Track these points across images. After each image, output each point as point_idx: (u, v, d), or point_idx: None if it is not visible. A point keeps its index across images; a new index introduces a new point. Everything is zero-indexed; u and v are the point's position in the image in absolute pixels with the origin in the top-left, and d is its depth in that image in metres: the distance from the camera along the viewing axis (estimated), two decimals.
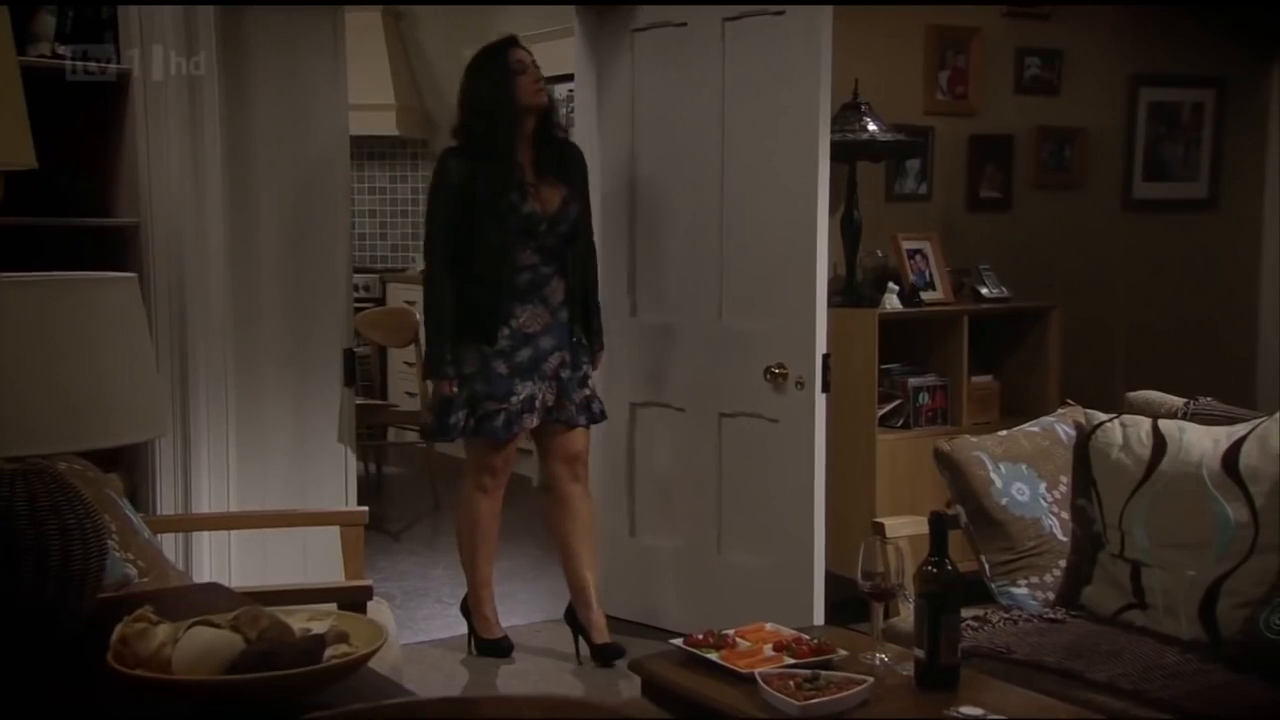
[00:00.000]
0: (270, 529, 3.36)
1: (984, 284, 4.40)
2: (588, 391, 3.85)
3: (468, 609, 4.05)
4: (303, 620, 1.61)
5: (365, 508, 3.23)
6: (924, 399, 4.23)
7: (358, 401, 3.93)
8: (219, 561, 3.37)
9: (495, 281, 3.65)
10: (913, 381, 4.22)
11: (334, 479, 3.66)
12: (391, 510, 5.93)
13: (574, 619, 3.96)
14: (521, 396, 3.71)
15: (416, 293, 7.20)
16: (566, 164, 3.79)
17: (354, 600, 2.54)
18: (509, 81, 3.66)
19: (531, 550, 5.28)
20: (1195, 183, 5.23)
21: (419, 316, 6.06)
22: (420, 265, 6.91)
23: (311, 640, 1.49)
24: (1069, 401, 3.20)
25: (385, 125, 7.53)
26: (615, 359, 4.29)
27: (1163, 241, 5.14)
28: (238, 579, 3.23)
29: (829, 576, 3.76)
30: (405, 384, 7.05)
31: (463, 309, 3.66)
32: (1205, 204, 5.26)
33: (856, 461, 4.12)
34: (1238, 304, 5.38)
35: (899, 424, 4.23)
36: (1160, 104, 5.11)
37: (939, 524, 2.35)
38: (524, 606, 4.57)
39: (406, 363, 6.87)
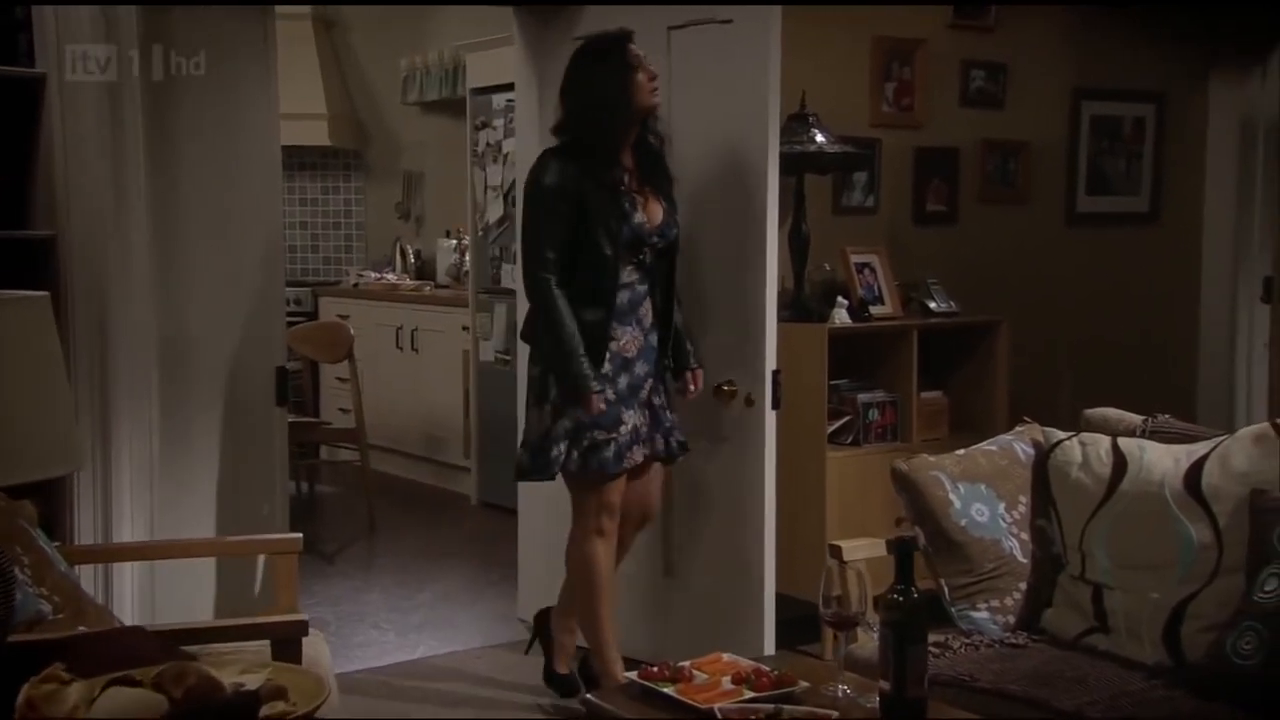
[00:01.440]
0: (197, 558, 3.19)
1: (932, 298, 4.34)
2: (669, 423, 3.53)
3: (589, 673, 3.64)
4: (234, 673, 1.47)
5: (299, 534, 3.06)
6: (874, 415, 4.16)
7: (289, 419, 3.76)
8: (142, 594, 3.19)
9: (607, 299, 3.31)
10: (862, 397, 4.15)
11: (266, 503, 3.49)
12: (325, 531, 5.75)
13: (546, 631, 3.72)
14: (629, 426, 3.39)
15: (350, 306, 7.14)
16: (663, 175, 3.46)
17: (288, 636, 2.39)
18: (629, 76, 3.30)
19: (465, 571, 5.15)
20: (1137, 197, 5.23)
21: (353, 330, 5.95)
22: (408, 278, 6.98)
23: (244, 698, 1.35)
24: (1026, 419, 3.13)
25: (317, 135, 7.38)
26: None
27: (1106, 255, 5.14)
28: (162, 613, 3.06)
29: (777, 597, 3.68)
30: (338, 400, 6.88)
31: None
32: (1147, 218, 5.27)
33: (806, 480, 4.03)
34: (1179, 318, 5.39)
35: (848, 441, 4.16)
36: (1102, 118, 5.10)
37: (904, 550, 2.26)
38: (462, 633, 4.43)
39: (339, 378, 6.70)
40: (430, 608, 4.69)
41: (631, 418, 3.40)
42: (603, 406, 3.30)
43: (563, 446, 3.35)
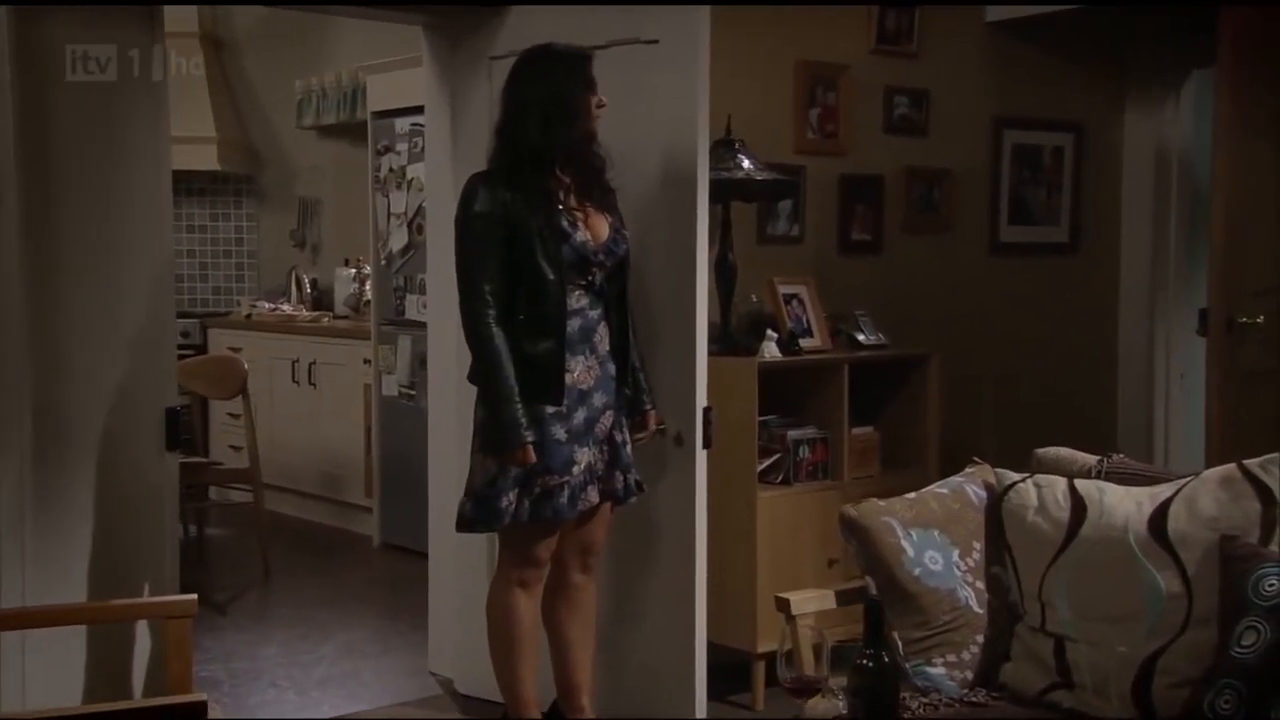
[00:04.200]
0: (75, 625, 2.86)
1: (861, 330, 4.21)
2: (628, 460, 3.31)
3: None
4: None
5: (193, 596, 2.75)
6: (804, 452, 3.99)
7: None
8: (11, 670, 2.84)
9: (556, 328, 3.09)
10: (793, 434, 3.98)
11: (154, 561, 3.17)
12: (216, 579, 5.42)
13: None
14: (582, 465, 3.17)
15: (241, 338, 6.81)
16: (604, 189, 3.24)
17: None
18: (585, 96, 3.13)
19: (370, 620, 4.86)
20: (1057, 226, 5.18)
21: (246, 364, 5.62)
22: (304, 309, 6.64)
23: None
24: (976, 459, 2.98)
25: (205, 159, 7.07)
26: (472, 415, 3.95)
27: (1029, 286, 5.08)
28: (34, 693, 2.73)
29: (707, 645, 3.48)
30: (229, 438, 6.55)
31: (514, 366, 3.09)
32: (1067, 248, 5.22)
33: (735, 522, 3.85)
34: (1099, 350, 5.35)
35: (778, 480, 3.98)
36: (1023, 146, 5.05)
37: (874, 609, 2.08)
38: (369, 689, 4.15)
39: (231, 414, 6.37)
40: (333, 662, 4.39)
41: (585, 455, 3.18)
42: (534, 458, 3.07)
43: (512, 495, 3.11)
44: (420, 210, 5.57)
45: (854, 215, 4.56)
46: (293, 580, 5.44)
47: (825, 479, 4.04)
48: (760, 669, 3.88)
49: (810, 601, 2.73)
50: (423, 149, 5.43)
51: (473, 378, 3.21)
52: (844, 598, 2.79)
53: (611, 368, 3.24)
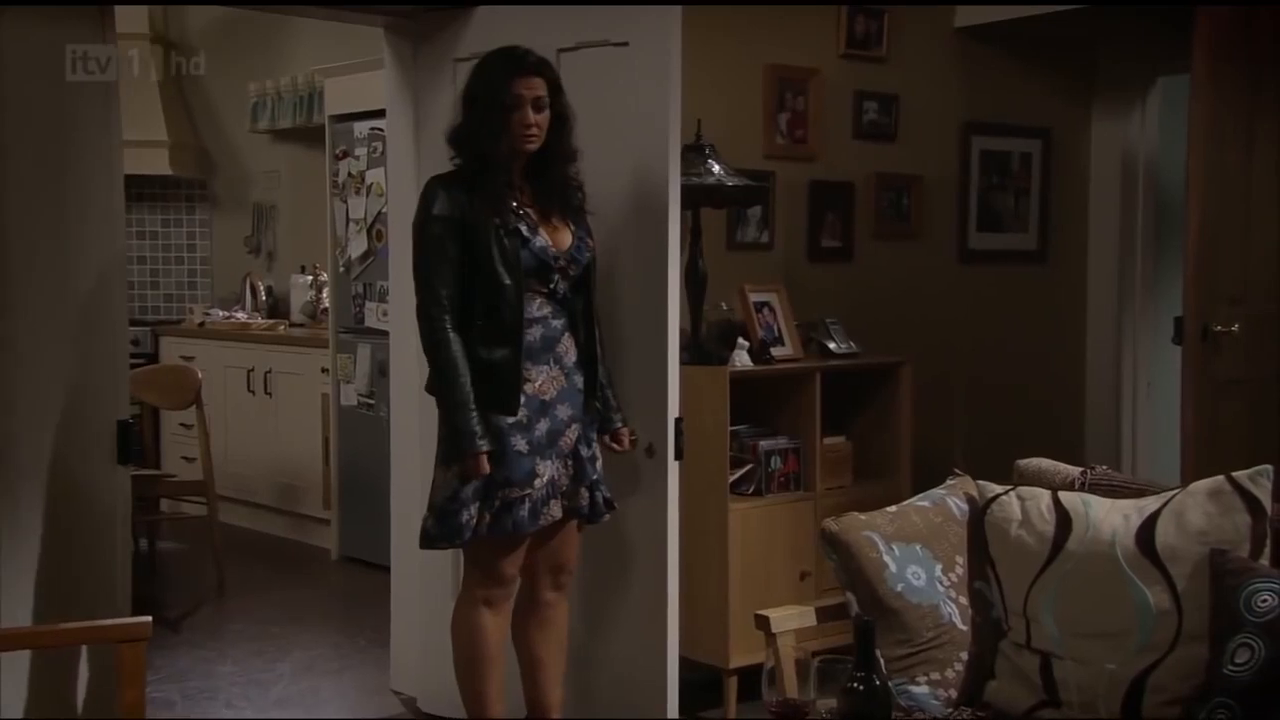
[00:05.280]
0: (21, 650, 2.73)
1: (832, 338, 4.14)
2: (596, 475, 3.20)
3: None
4: None
5: (147, 619, 2.62)
6: (776, 463, 3.92)
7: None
8: None
9: (512, 334, 2.99)
10: (764, 444, 3.91)
11: (106, 581, 3.04)
12: (169, 594, 5.27)
13: None
14: (544, 479, 3.06)
15: (193, 347, 6.66)
16: (569, 196, 3.14)
17: None
18: (502, 115, 3.01)
19: (329, 636, 4.74)
20: (1026, 234, 5.15)
21: (200, 373, 5.48)
22: (260, 317, 6.49)
23: None
24: (957, 471, 2.92)
25: (156, 163, 6.93)
26: (436, 425, 3.85)
27: (998, 294, 5.05)
28: None
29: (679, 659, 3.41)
30: (182, 448, 6.40)
31: (471, 373, 2.99)
32: (1035, 256, 5.19)
33: (706, 534, 3.77)
34: (1068, 358, 5.33)
35: (750, 491, 3.91)
36: (991, 153, 5.01)
37: (865, 629, 2.00)
38: (328, 708, 4.04)
39: (184, 425, 6.22)
40: (291, 680, 4.27)
41: (548, 469, 3.08)
42: (486, 468, 2.97)
43: (474, 509, 3.01)
44: (380, 216, 5.46)
45: (824, 222, 4.50)
46: (248, 595, 5.30)
47: (797, 490, 3.98)
48: (733, 684, 3.80)
49: (791, 619, 2.65)
50: (383, 153, 5.33)
51: (430, 388, 3.12)
52: (825, 614, 2.72)
53: (579, 380, 3.15)
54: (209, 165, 7.34)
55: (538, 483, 3.05)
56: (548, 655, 3.28)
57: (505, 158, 3.05)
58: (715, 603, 3.79)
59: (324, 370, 5.89)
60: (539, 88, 3.05)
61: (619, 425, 3.25)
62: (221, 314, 6.86)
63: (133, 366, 5.48)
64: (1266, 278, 4.06)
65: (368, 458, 5.42)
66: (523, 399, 3.02)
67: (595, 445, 3.21)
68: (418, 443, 3.90)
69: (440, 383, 3.02)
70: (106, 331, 3.11)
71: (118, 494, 3.11)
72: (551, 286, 3.08)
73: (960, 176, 4.93)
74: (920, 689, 2.60)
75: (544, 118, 3.06)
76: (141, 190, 7.21)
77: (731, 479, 3.85)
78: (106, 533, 3.08)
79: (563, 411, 3.11)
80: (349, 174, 5.72)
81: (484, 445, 2.96)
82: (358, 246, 5.68)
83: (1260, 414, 4.03)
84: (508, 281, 2.99)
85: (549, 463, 3.08)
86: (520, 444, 3.03)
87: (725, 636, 3.78)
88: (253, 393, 6.30)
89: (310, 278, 6.53)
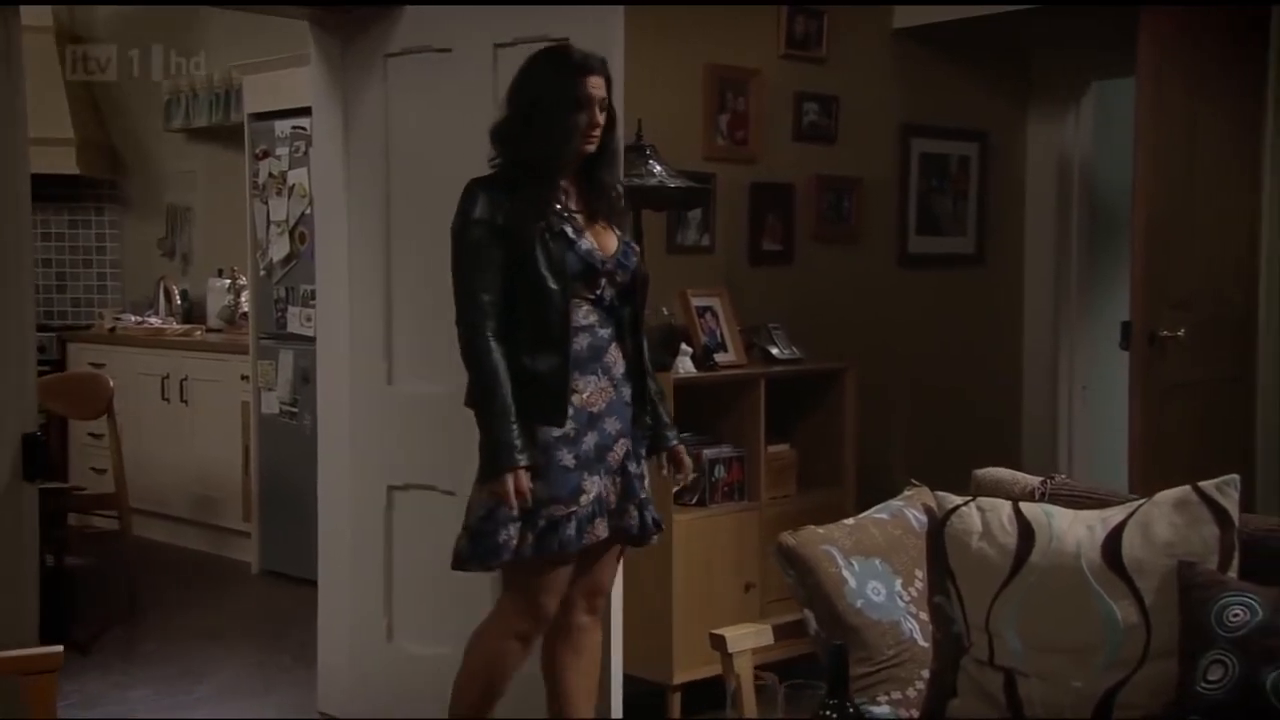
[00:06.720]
0: None
1: (774, 344, 4.06)
2: (644, 494, 2.99)
3: None
4: None
5: (58, 648, 2.44)
6: (720, 472, 3.82)
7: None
8: None
9: (560, 341, 2.81)
10: (708, 453, 3.81)
11: (10, 608, 2.83)
12: (77, 613, 5.01)
13: None
14: (591, 495, 2.85)
15: (105, 353, 6.40)
16: (615, 203, 3.00)
17: None
18: (574, 115, 2.84)
19: (251, 655, 4.56)
20: (964, 238, 5.12)
21: (111, 381, 5.24)
22: (175, 321, 6.24)
23: None
24: (914, 482, 2.84)
25: (63, 162, 6.69)
26: (367, 434, 3.70)
27: (937, 298, 5.01)
28: None
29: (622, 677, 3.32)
30: (91, 459, 6.14)
31: (514, 383, 2.81)
32: (973, 259, 5.17)
33: (650, 546, 3.65)
34: (1005, 362, 5.32)
35: (693, 501, 3.81)
36: (930, 155, 4.97)
37: (837, 655, 1.90)
38: None
39: (93, 434, 5.97)
40: (212, 704, 4.08)
41: (595, 485, 2.87)
42: (525, 485, 2.77)
43: (513, 529, 2.80)
44: (304, 218, 5.28)
45: (765, 224, 4.42)
46: (164, 613, 5.07)
47: (742, 500, 3.89)
48: (677, 701, 3.70)
49: (747, 638, 2.54)
50: (306, 153, 5.15)
51: (469, 400, 2.92)
52: (782, 632, 2.62)
53: (627, 393, 2.95)
54: (119, 165, 7.10)
55: (584, 499, 2.86)
56: (578, 684, 3.06)
57: (571, 160, 2.89)
58: (659, 616, 3.68)
59: (244, 377, 5.69)
60: (603, 88, 2.90)
61: (674, 443, 3.08)
62: (134, 319, 6.61)
63: (40, 374, 5.31)
64: (1211, 282, 4.06)
65: (290, 467, 5.26)
66: (570, 411, 2.84)
67: (644, 462, 3.02)
68: (347, 451, 3.76)
69: (479, 393, 2.83)
70: (11, 338, 2.91)
71: (24, 513, 2.90)
72: (598, 293, 2.90)
73: (900, 179, 4.88)
74: (882, 709, 2.51)
75: (604, 118, 2.92)
76: (47, 190, 6.92)
77: (674, 489, 3.73)
78: (12, 554, 2.87)
79: (611, 425, 2.91)
80: (270, 174, 5.52)
81: (523, 459, 2.76)
82: (280, 249, 5.48)
83: (1204, 419, 4.03)
84: (554, 286, 2.81)
85: (596, 478, 2.88)
86: (567, 458, 2.83)
87: (669, 651, 3.67)
88: (168, 401, 6.08)
89: (228, 281, 6.32)
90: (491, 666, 2.95)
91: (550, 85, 2.87)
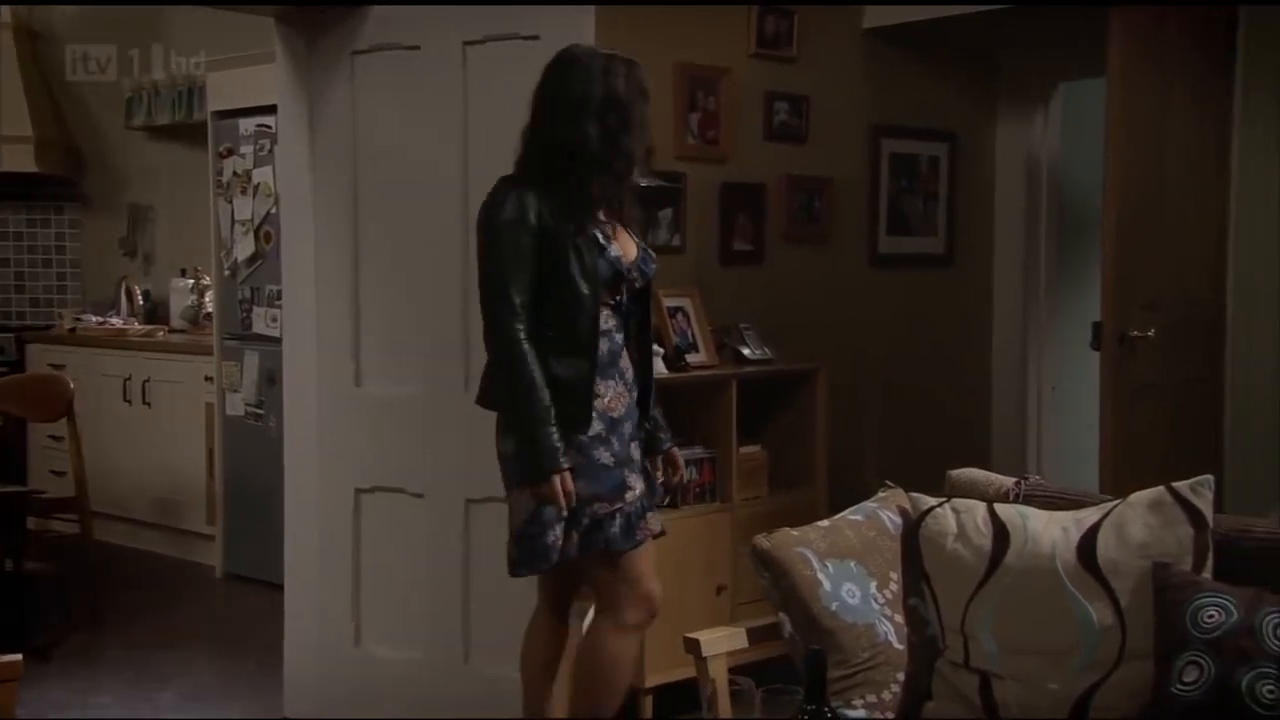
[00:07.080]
0: None
1: (746, 344, 4.04)
2: (659, 494, 3.07)
3: None
4: None
5: (18, 656, 2.38)
6: (692, 473, 3.80)
7: None
8: None
9: (588, 347, 2.80)
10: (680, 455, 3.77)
11: None
12: (37, 620, 4.93)
13: None
14: (636, 491, 2.89)
15: (65, 354, 6.30)
16: (632, 210, 3.00)
17: None
18: (644, 107, 2.87)
19: (215, 661, 4.51)
20: (934, 238, 5.12)
21: (72, 383, 5.15)
22: (136, 322, 6.14)
23: None
24: (888, 483, 2.82)
25: (21, 160, 6.64)
26: (334, 436, 3.66)
27: (907, 299, 5.00)
28: None
29: None
30: (51, 462, 6.06)
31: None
32: (943, 260, 5.17)
33: None
34: (975, 362, 5.32)
35: (665, 503, 3.76)
36: (900, 156, 4.97)
37: (815, 661, 1.88)
38: None
39: (53, 437, 5.89)
40: (176, 710, 4.03)
41: (638, 483, 2.90)
42: (571, 487, 2.77)
43: (559, 530, 2.80)
44: (269, 217, 5.21)
45: (735, 224, 4.40)
46: (126, 618, 5.00)
47: (713, 501, 3.87)
48: (649, 704, 3.67)
49: (721, 642, 2.52)
50: (270, 151, 5.09)
51: (490, 401, 2.90)
52: (756, 635, 2.60)
53: (635, 396, 2.96)
54: (79, 163, 7.01)
55: (629, 495, 2.87)
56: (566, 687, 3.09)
57: (631, 154, 2.86)
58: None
59: (208, 379, 5.62)
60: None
61: (669, 446, 3.09)
62: (95, 319, 6.52)
63: None
64: (1181, 283, 4.07)
65: (255, 470, 5.21)
66: (594, 415, 2.83)
67: (647, 464, 3.03)
68: (314, 454, 3.72)
69: (515, 397, 2.80)
70: None
71: None
72: (617, 299, 2.90)
73: (870, 180, 4.87)
74: (857, 713, 2.49)
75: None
76: (5, 189, 6.87)
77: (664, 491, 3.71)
78: None
79: (628, 429, 2.92)
80: (234, 173, 5.46)
81: (565, 463, 2.77)
82: (244, 249, 5.42)
83: (1174, 419, 4.04)
84: (586, 291, 2.79)
85: (636, 476, 2.91)
86: (605, 457, 2.85)
87: (641, 654, 3.64)
88: (129, 402, 6.00)
89: (192, 281, 6.25)
90: (615, 667, 2.96)
91: (608, 87, 2.84)
